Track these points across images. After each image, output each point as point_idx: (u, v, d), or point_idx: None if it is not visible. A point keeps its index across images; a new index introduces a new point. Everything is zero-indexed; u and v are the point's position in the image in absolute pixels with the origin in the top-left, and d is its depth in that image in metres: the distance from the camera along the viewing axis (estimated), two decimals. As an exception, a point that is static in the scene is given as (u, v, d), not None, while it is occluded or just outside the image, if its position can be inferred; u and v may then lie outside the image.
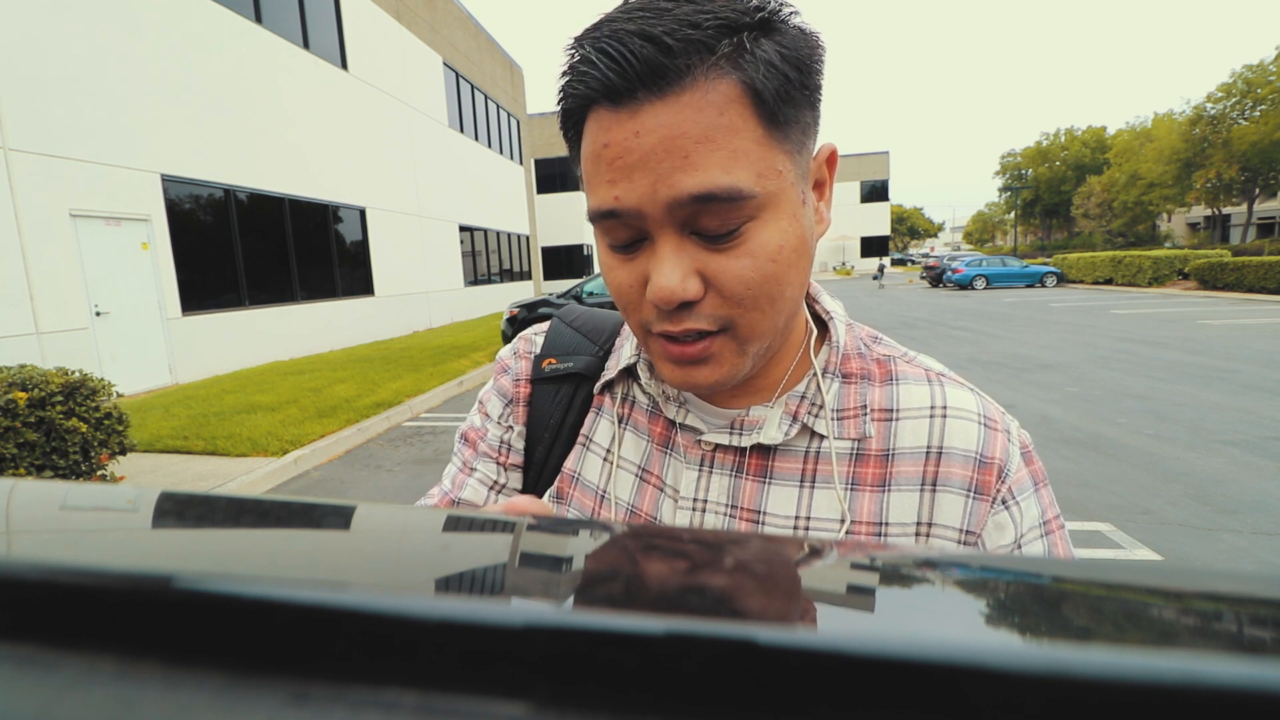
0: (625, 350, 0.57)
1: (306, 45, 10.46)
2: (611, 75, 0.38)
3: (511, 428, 0.61)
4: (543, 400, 0.60)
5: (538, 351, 0.62)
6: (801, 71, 0.40)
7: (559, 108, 0.44)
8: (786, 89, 0.39)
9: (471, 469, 0.62)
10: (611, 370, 0.57)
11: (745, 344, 0.44)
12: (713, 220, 0.40)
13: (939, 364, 0.54)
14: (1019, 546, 0.48)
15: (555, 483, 0.58)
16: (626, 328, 0.61)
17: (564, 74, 0.42)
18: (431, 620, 0.15)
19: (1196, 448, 4.52)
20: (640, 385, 0.56)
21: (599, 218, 0.43)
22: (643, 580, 0.20)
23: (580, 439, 0.58)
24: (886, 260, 52.86)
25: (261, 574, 0.19)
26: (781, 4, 0.40)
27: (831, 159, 0.47)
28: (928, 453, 0.48)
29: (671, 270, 0.41)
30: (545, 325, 0.65)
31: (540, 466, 0.59)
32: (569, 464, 0.58)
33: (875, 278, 32.78)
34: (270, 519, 0.25)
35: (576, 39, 0.41)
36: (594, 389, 0.58)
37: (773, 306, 0.43)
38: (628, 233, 0.43)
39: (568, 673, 0.14)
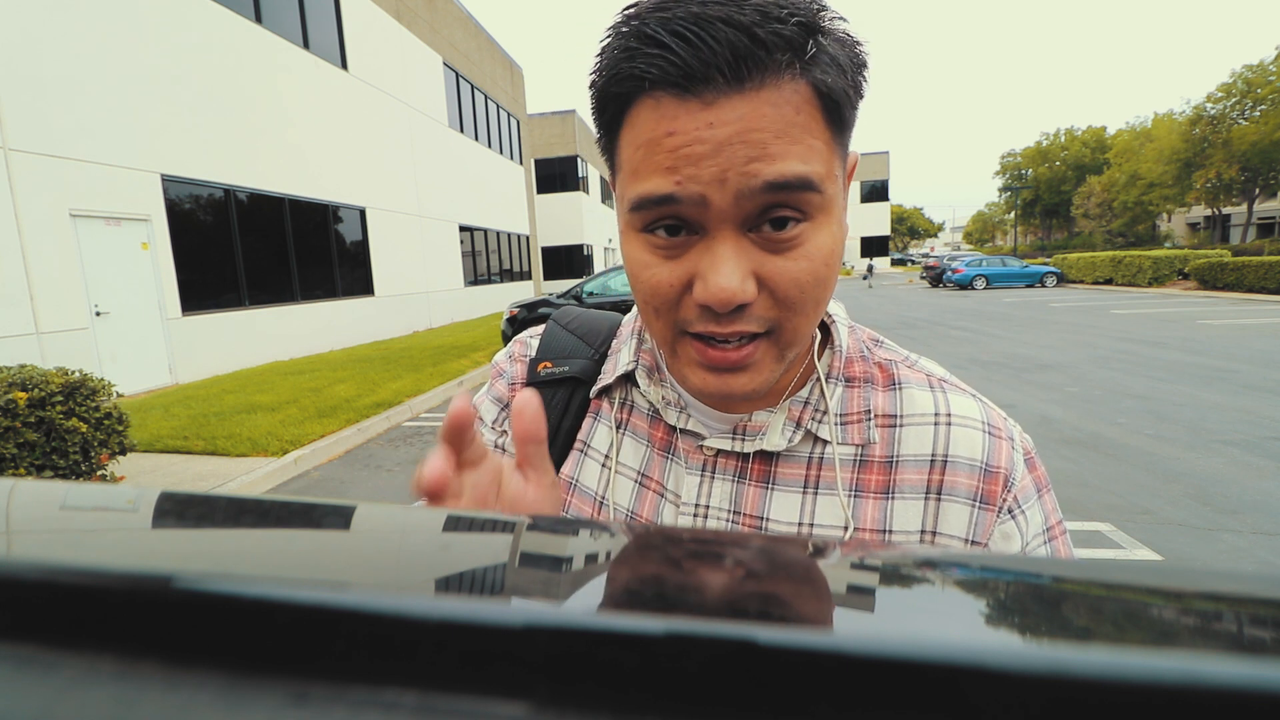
0: (623, 355, 0.57)
1: (306, 45, 10.46)
2: (691, 61, 0.36)
3: (506, 433, 0.60)
4: None
5: (533, 355, 0.61)
6: (860, 75, 0.40)
7: (602, 86, 0.41)
8: (851, 95, 0.40)
9: None
10: (609, 375, 0.57)
11: (786, 349, 0.44)
12: (783, 212, 0.39)
13: (940, 368, 0.54)
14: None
15: None
16: (623, 330, 0.60)
17: (618, 52, 0.39)
18: (431, 620, 0.15)
19: (1196, 448, 4.52)
20: (639, 391, 0.55)
21: (650, 204, 0.40)
22: (642, 580, 0.20)
23: (577, 444, 0.58)
24: (885, 260, 53.61)
25: (261, 574, 0.19)
26: (825, 6, 0.40)
27: (854, 165, 0.47)
28: (932, 461, 0.48)
29: (732, 271, 0.39)
30: (540, 329, 0.64)
31: None
32: (566, 470, 0.57)
33: (864, 277, 33.91)
34: (270, 519, 0.25)
35: (633, 17, 0.38)
36: (590, 393, 0.58)
37: (816, 310, 0.43)
38: (675, 225, 0.41)
39: (568, 673, 0.14)
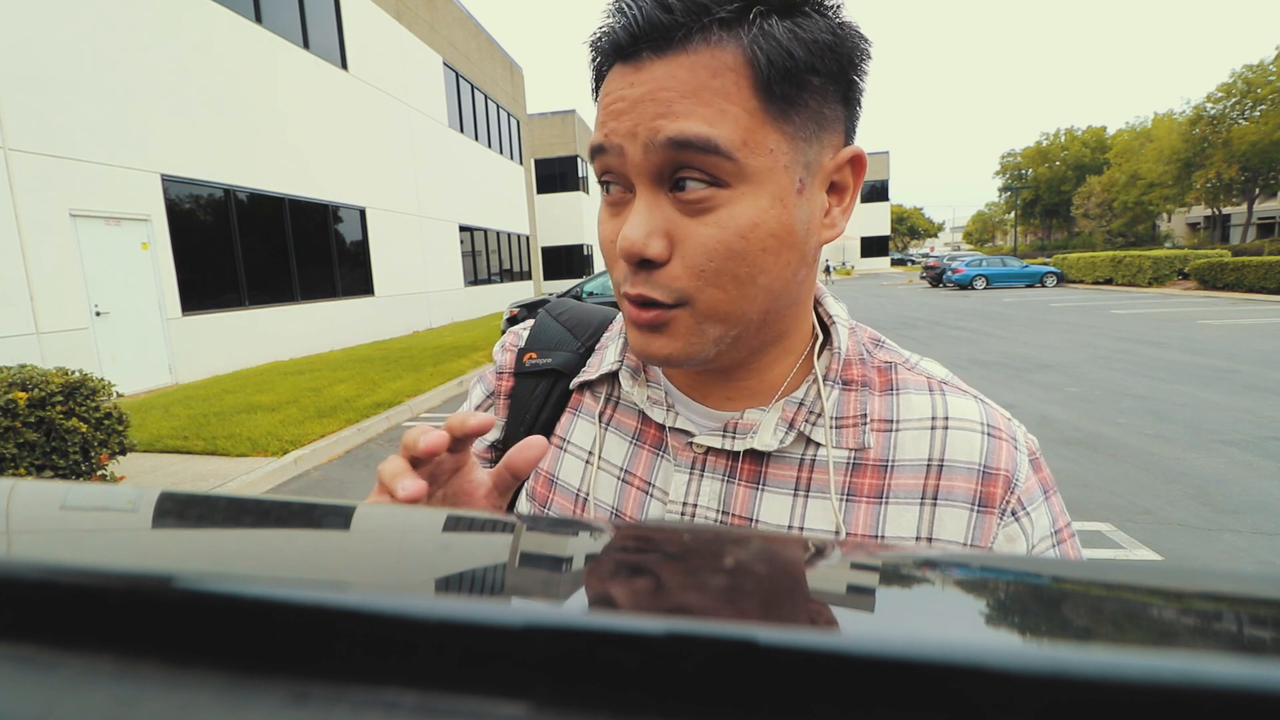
0: (609, 353, 0.56)
1: (306, 45, 10.46)
2: (621, 33, 0.41)
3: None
4: (522, 394, 0.59)
5: (522, 345, 0.61)
6: (815, 56, 0.40)
7: (592, 69, 0.46)
8: (790, 67, 0.39)
9: None
10: (592, 371, 0.56)
11: (703, 322, 0.43)
12: (689, 174, 0.40)
13: (943, 369, 0.52)
14: None
15: (530, 482, 0.57)
16: (614, 326, 0.59)
17: (593, 34, 0.44)
18: (431, 620, 0.15)
19: (1196, 448, 4.51)
20: (624, 389, 0.55)
21: (592, 156, 0.44)
22: (642, 580, 0.20)
23: (555, 439, 0.57)
24: (884, 260, 54.80)
25: (261, 574, 0.19)
26: None
27: (856, 163, 0.45)
28: (928, 465, 0.47)
29: (638, 223, 0.41)
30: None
31: None
32: (545, 465, 0.57)
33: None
34: (270, 519, 0.25)
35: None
36: (569, 386, 0.57)
37: (737, 287, 0.42)
38: (617, 180, 0.44)
39: (568, 673, 0.14)
